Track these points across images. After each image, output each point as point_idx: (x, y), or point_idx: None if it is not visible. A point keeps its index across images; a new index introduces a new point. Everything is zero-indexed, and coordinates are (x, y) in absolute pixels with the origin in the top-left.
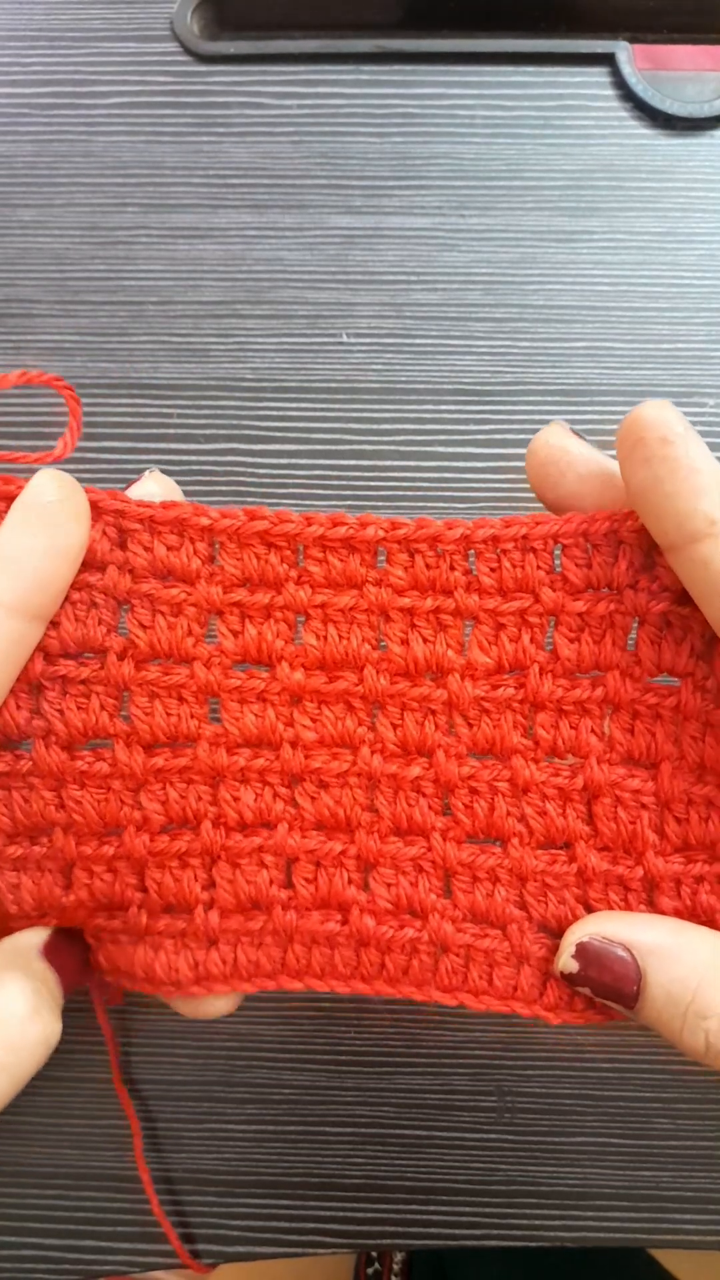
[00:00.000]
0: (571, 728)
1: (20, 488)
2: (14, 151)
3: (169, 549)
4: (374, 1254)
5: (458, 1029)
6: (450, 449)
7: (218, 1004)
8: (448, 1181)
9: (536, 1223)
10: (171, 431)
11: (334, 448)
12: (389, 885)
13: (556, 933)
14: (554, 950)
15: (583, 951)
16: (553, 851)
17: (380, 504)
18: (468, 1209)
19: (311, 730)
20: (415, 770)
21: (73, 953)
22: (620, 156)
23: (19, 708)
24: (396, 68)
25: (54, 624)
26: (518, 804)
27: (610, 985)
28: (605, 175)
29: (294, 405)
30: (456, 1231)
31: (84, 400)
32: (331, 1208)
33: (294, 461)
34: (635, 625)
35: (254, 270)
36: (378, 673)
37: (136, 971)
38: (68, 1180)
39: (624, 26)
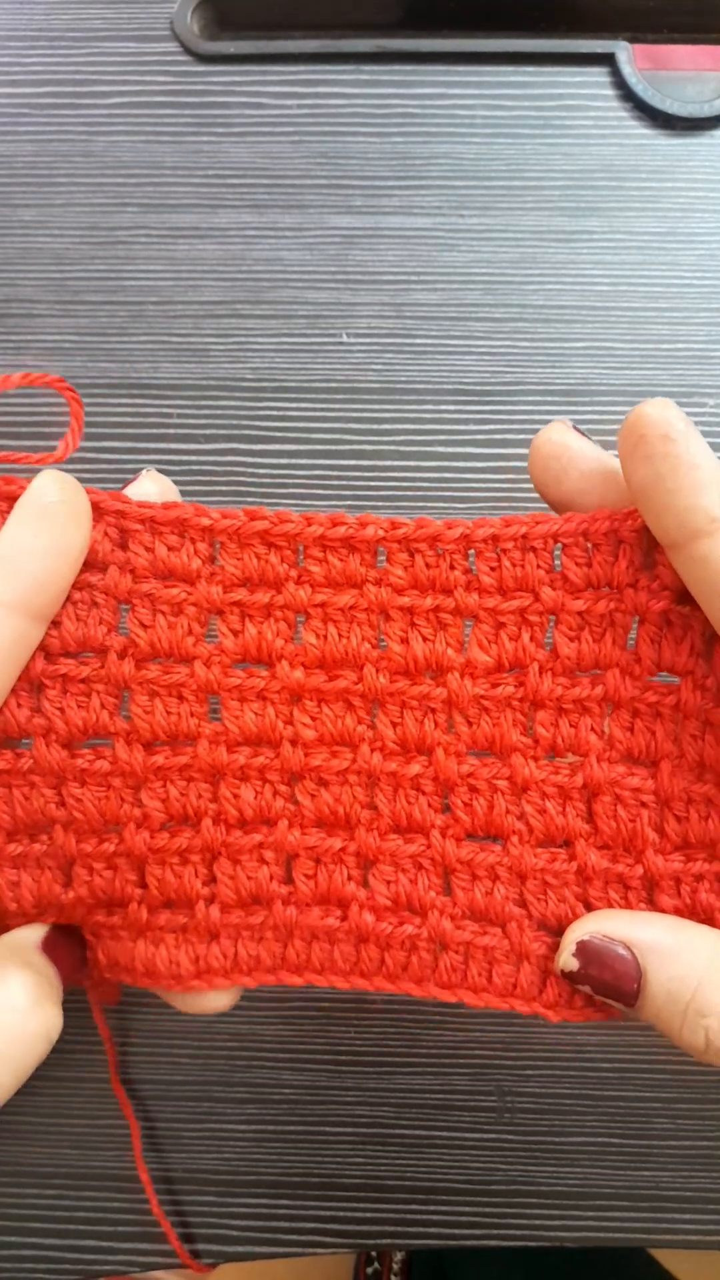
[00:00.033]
0: (571, 726)
1: (22, 488)
2: (14, 151)
3: (170, 549)
4: (374, 1254)
5: (458, 1029)
6: (450, 449)
7: (216, 1000)
8: (448, 1181)
9: (536, 1223)
10: (171, 431)
11: (334, 448)
12: (388, 882)
13: (556, 931)
14: (553, 948)
15: (583, 950)
16: (552, 850)
17: (380, 504)
18: (468, 1209)
19: (311, 728)
20: (415, 768)
21: (70, 950)
22: (620, 156)
23: (20, 706)
24: (396, 68)
25: (55, 623)
26: (517, 802)
27: (610, 983)
28: (605, 175)
29: (294, 405)
30: (456, 1231)
31: (84, 400)
32: (331, 1208)
33: (294, 461)
34: (635, 624)
35: (254, 270)
36: (377, 671)
37: (136, 966)
38: (68, 1180)
39: (624, 26)
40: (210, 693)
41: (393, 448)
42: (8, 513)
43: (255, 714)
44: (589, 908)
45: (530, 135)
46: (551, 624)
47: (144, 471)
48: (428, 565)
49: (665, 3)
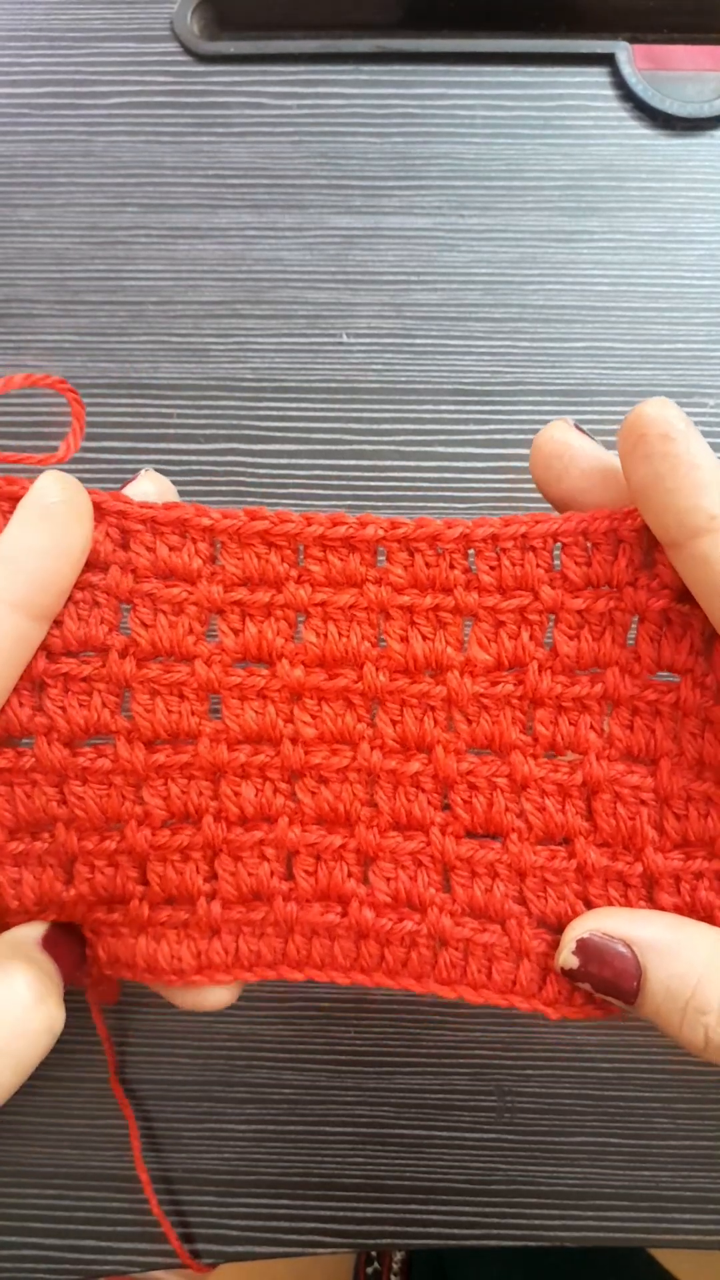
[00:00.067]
0: (571, 724)
1: (24, 489)
2: (14, 151)
3: (171, 549)
4: (374, 1254)
5: (458, 1029)
6: (450, 449)
7: (217, 996)
8: (448, 1181)
9: (536, 1222)
10: (171, 431)
11: (334, 448)
12: (388, 879)
13: (556, 928)
14: (553, 945)
15: (583, 947)
16: (552, 847)
17: (380, 504)
18: (468, 1209)
19: (311, 726)
20: (414, 766)
21: (70, 948)
22: (620, 156)
23: (21, 705)
24: (396, 68)
25: (57, 623)
26: (517, 800)
27: (610, 981)
28: (605, 175)
29: (294, 405)
30: (456, 1231)
31: (84, 400)
32: (331, 1207)
33: (294, 461)
34: (635, 622)
35: (254, 270)
36: (377, 670)
37: (138, 962)
38: (68, 1180)
39: (624, 26)
40: (211, 691)
41: (393, 448)
42: (10, 513)
43: (256, 712)
44: (589, 905)
45: (530, 135)
46: (551, 623)
47: (142, 471)
48: (427, 564)
49: (665, 3)
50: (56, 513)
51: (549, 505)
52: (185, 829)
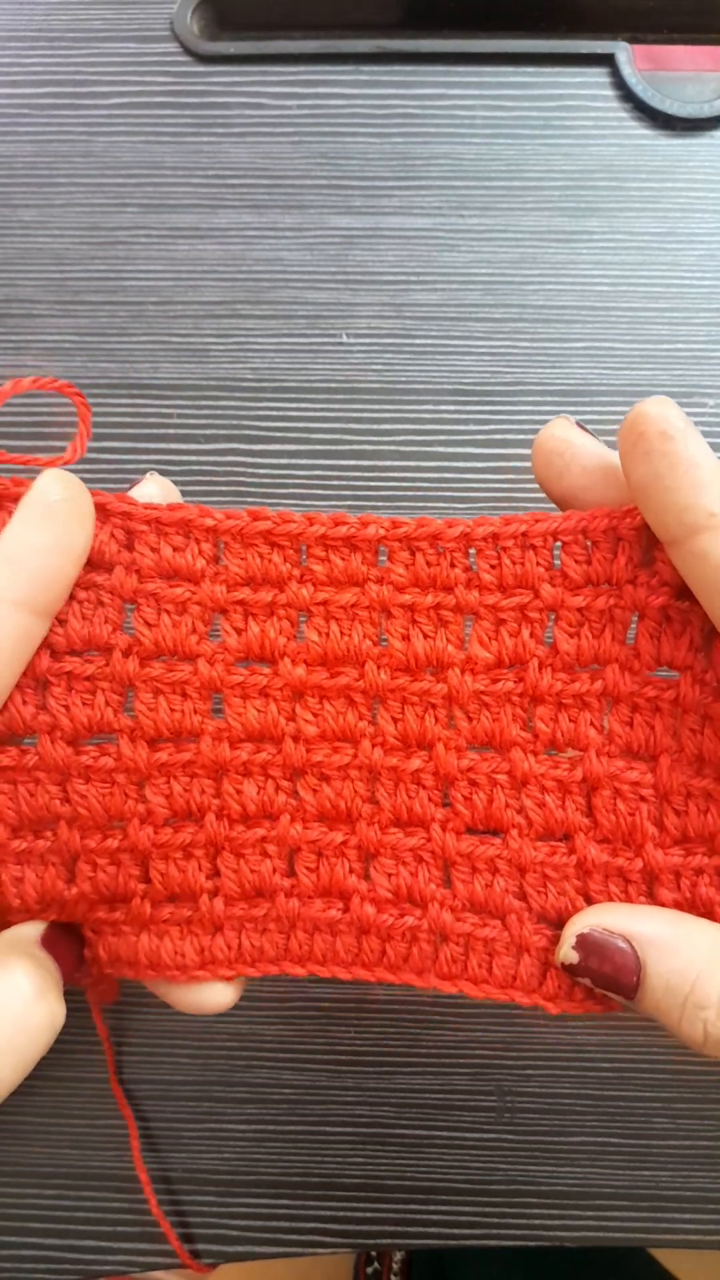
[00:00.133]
0: (571, 721)
1: (27, 489)
2: (14, 151)
3: (175, 549)
4: (374, 1254)
5: (458, 1029)
6: (450, 449)
7: (217, 996)
8: (448, 1181)
9: (536, 1222)
10: (171, 431)
11: (334, 448)
12: (389, 875)
13: (556, 924)
14: (553, 941)
15: (583, 943)
16: (552, 843)
17: (380, 504)
18: (468, 1209)
19: (313, 724)
20: (415, 763)
21: (69, 947)
22: (620, 156)
23: (25, 703)
24: (396, 68)
25: (61, 621)
26: (517, 796)
27: (610, 976)
28: (605, 175)
29: (294, 405)
30: (456, 1231)
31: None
32: (331, 1207)
33: (294, 461)
34: (635, 620)
35: (254, 270)
36: (379, 668)
37: (140, 959)
38: (67, 1180)
39: (624, 26)
40: (213, 690)
41: (393, 448)
42: (12, 512)
43: (258, 711)
44: (589, 901)
45: (530, 135)
46: (551, 620)
47: (147, 475)
48: (429, 563)
49: (665, 3)
50: (58, 511)
51: (549, 504)
52: (188, 827)
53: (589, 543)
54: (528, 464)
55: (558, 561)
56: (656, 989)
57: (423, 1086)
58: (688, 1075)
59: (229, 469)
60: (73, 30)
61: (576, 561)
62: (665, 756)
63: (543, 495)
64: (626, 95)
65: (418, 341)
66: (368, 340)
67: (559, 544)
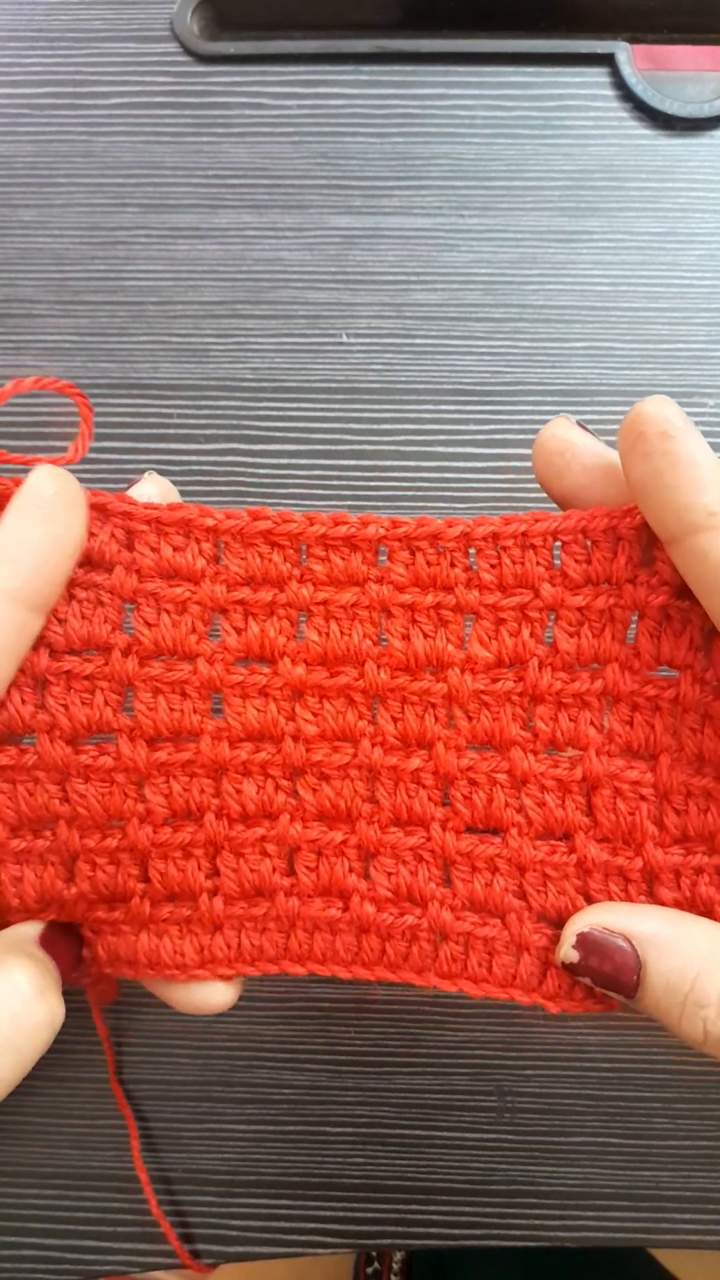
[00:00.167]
0: (571, 720)
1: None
2: (14, 151)
3: (175, 549)
4: (374, 1254)
5: (458, 1029)
6: (450, 449)
7: (216, 998)
8: (448, 1181)
9: (536, 1223)
10: (171, 431)
11: (334, 448)
12: (389, 874)
13: (556, 923)
14: (553, 940)
15: (583, 941)
16: (552, 842)
17: (380, 504)
18: (468, 1209)
19: (313, 724)
20: (415, 762)
21: (67, 947)
22: (620, 156)
23: (24, 702)
24: (396, 68)
25: (61, 621)
26: (516, 795)
27: (610, 975)
28: (605, 175)
29: (294, 405)
30: (456, 1231)
31: None
32: (331, 1208)
33: (294, 461)
34: (635, 619)
35: (254, 270)
36: (378, 667)
37: (140, 959)
38: (67, 1180)
39: (624, 26)
40: (213, 689)
41: (393, 448)
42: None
43: (257, 710)
44: (589, 900)
45: (530, 135)
46: (551, 620)
47: (145, 474)
48: (429, 563)
49: (665, 3)
50: (51, 505)
51: (550, 504)
52: (187, 826)
53: (589, 542)
54: (528, 464)
55: (558, 561)
56: (656, 988)
57: (423, 1086)
58: (688, 1075)
59: (229, 469)
60: (73, 30)
61: (576, 561)
62: (665, 755)
63: (543, 495)
64: (626, 95)
65: (418, 341)
66: (368, 340)
67: (559, 543)
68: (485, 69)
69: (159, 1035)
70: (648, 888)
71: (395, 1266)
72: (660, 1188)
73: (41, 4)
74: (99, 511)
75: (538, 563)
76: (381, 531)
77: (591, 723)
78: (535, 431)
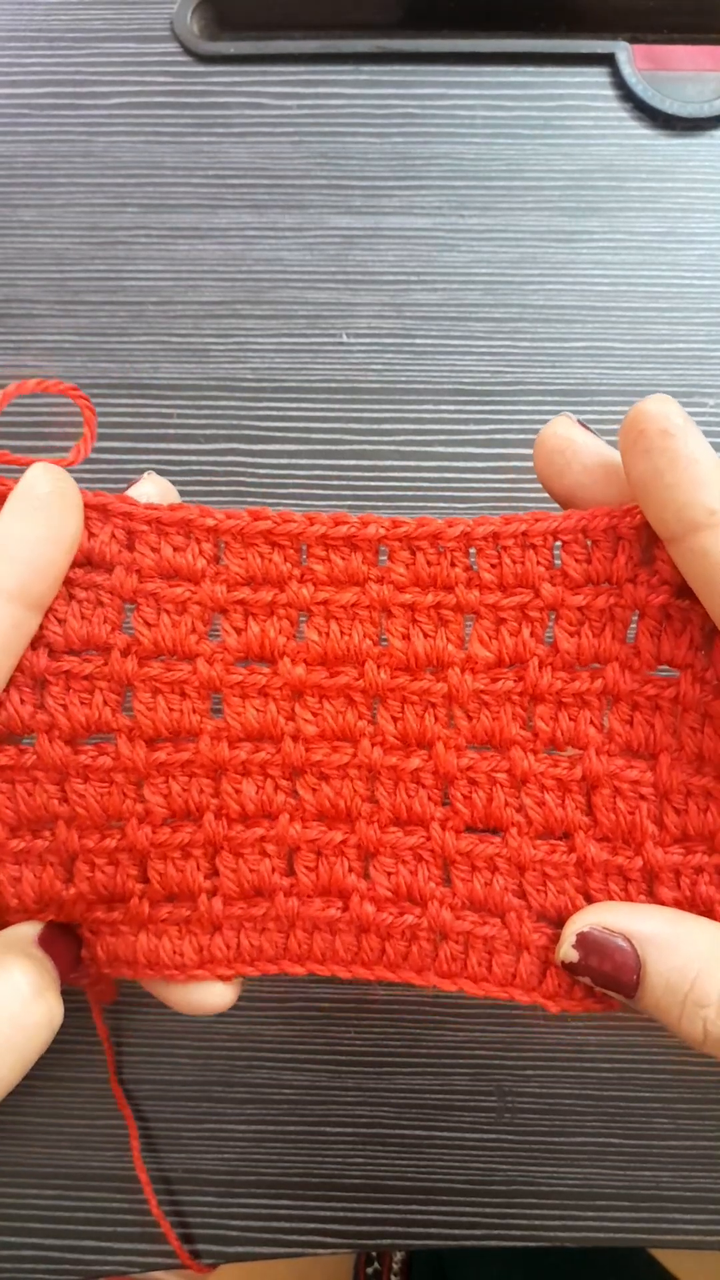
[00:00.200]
0: (571, 719)
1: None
2: (14, 151)
3: (175, 550)
4: (374, 1254)
5: (458, 1029)
6: (450, 449)
7: (215, 998)
8: (448, 1181)
9: (536, 1223)
10: (171, 431)
11: (334, 448)
12: (389, 874)
13: (556, 922)
14: (553, 939)
15: (583, 941)
16: (552, 842)
17: (380, 504)
18: (468, 1209)
19: (313, 724)
20: (415, 762)
21: (65, 947)
22: (620, 156)
23: (23, 702)
24: (396, 68)
25: (60, 621)
26: (516, 795)
27: (610, 974)
28: (605, 175)
29: (294, 405)
30: (456, 1231)
31: None
32: (331, 1208)
33: (294, 461)
34: (635, 618)
35: (254, 270)
36: (378, 667)
37: (139, 959)
38: (67, 1180)
39: (624, 26)
40: (213, 690)
41: (393, 448)
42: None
43: (257, 710)
44: (589, 899)
45: (530, 135)
46: (552, 619)
47: (145, 475)
48: (429, 563)
49: (665, 3)
50: (47, 502)
51: (550, 504)
52: (186, 826)
53: (589, 542)
54: (528, 463)
55: (558, 560)
56: (656, 987)
57: (423, 1087)
58: (688, 1075)
59: (229, 469)
60: (73, 30)
61: (577, 560)
62: (665, 755)
63: (543, 495)
64: (626, 95)
65: (418, 341)
66: (368, 340)
67: (559, 543)
68: (485, 69)
69: (159, 1035)
70: (648, 887)
71: (395, 1267)
72: (660, 1188)
73: (41, 4)
74: (100, 511)
75: (538, 562)
76: (382, 531)
77: (591, 722)
78: (535, 431)
